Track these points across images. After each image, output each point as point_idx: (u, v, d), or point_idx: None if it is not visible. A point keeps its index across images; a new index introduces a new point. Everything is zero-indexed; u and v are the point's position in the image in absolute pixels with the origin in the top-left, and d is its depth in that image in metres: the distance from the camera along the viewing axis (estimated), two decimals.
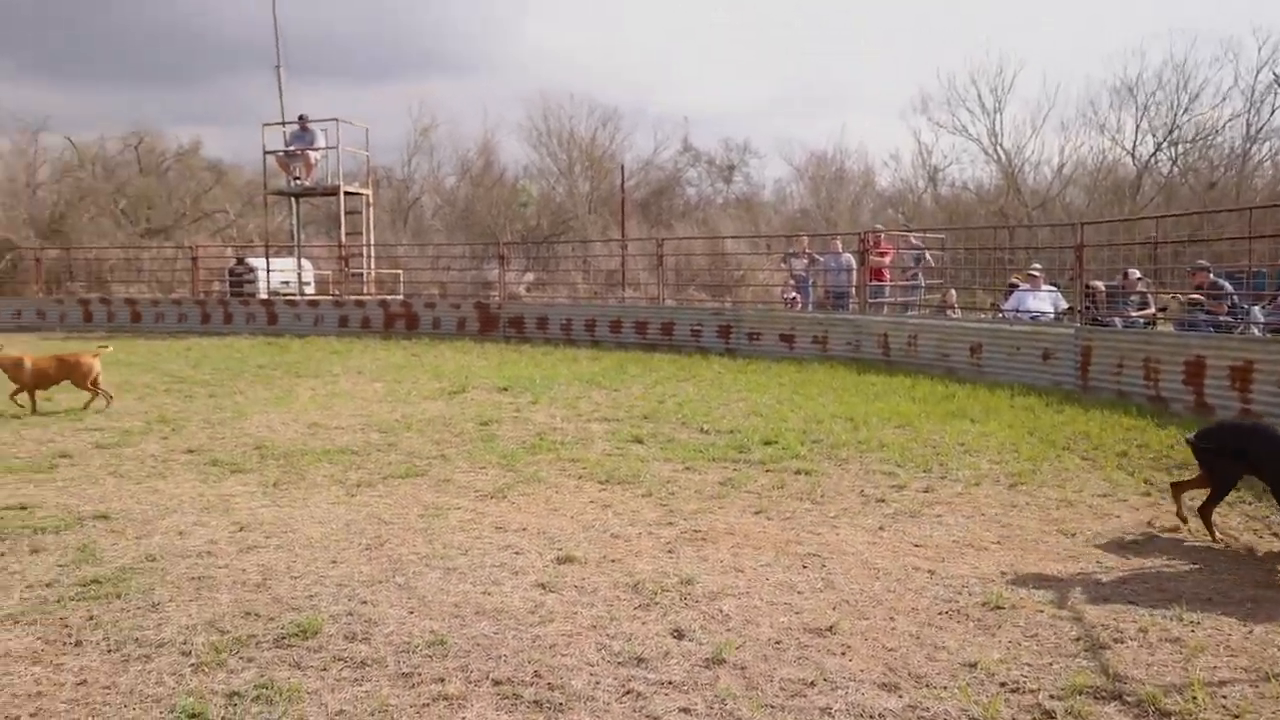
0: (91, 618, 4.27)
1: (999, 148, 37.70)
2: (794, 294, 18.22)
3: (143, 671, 3.74)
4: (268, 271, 22.96)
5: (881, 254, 17.12)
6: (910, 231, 20.73)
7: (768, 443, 8.27)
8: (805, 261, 18.53)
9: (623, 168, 37.71)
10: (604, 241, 31.03)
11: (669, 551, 5.30)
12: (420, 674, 3.72)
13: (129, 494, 6.54)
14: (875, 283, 16.66)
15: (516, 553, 5.24)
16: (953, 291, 17.01)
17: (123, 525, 5.76)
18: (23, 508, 6.12)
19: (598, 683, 3.65)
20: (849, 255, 17.48)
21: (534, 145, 45.72)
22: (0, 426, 9.11)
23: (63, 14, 65.50)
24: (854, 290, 16.88)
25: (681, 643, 4.03)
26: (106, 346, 11.18)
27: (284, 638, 4.04)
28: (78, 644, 4.00)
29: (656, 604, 4.47)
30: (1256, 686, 3.66)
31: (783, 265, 20.24)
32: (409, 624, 4.21)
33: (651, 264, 21.66)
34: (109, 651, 3.92)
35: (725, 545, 5.41)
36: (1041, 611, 4.40)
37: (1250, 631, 4.19)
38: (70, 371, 10.08)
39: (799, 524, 5.87)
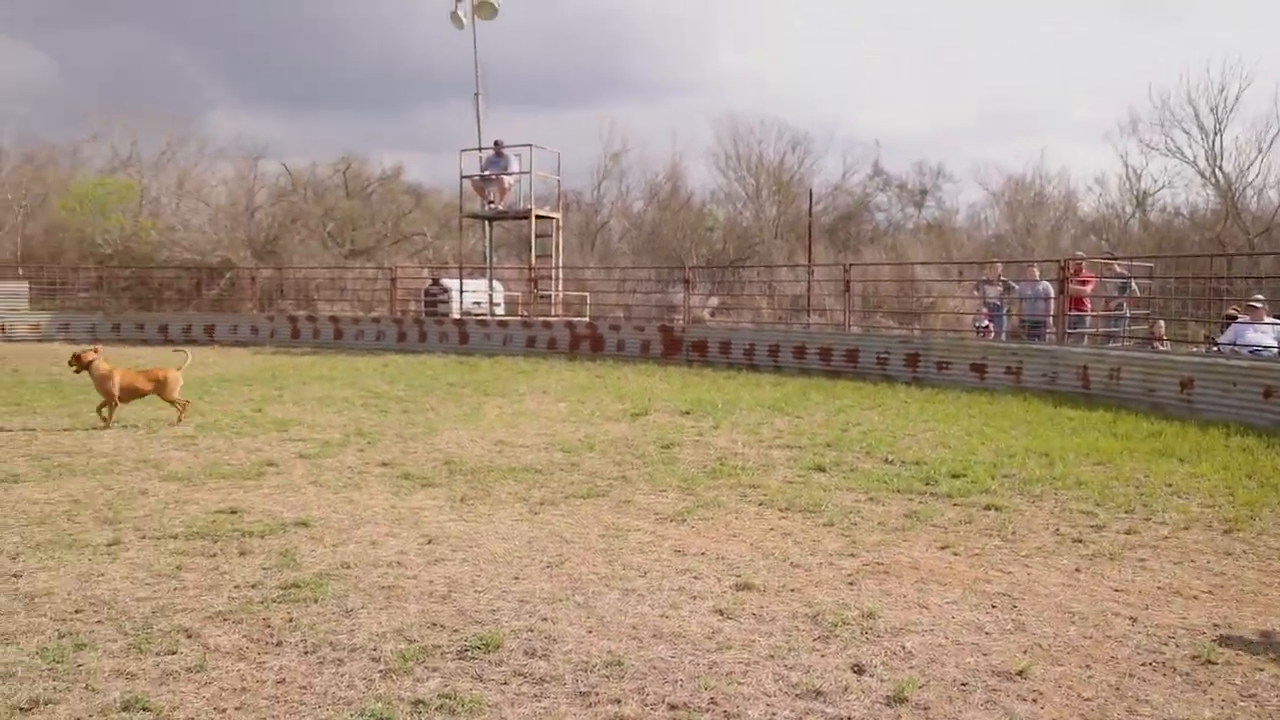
0: (291, 620, 4.51)
1: (1218, 171, 35.49)
2: (986, 322, 17.66)
3: (336, 674, 3.92)
4: (461, 292, 23.84)
5: (1083, 282, 16.38)
6: (1115, 259, 19.75)
7: (955, 475, 8.01)
8: (999, 289, 17.93)
9: (810, 192, 37.47)
10: (790, 267, 30.86)
11: (850, 583, 5.19)
12: (598, 694, 3.76)
13: (327, 503, 6.89)
14: (1075, 312, 15.93)
15: (695, 577, 5.24)
16: (1161, 323, 16.12)
17: (321, 533, 6.07)
18: (233, 512, 6.54)
19: (774, 714, 3.61)
20: (1047, 283, 16.81)
21: (721, 169, 46.07)
22: (215, 435, 9.76)
23: (284, 50, 70.21)
24: (1051, 320, 16.20)
25: (862, 678, 3.93)
26: (185, 355, 11.35)
27: (467, 650, 4.16)
28: (278, 644, 4.23)
29: (836, 636, 4.38)
30: None
31: (975, 293, 19.64)
32: (587, 643, 4.26)
33: (838, 290, 21.40)
34: (306, 653, 4.13)
35: (909, 580, 5.26)
36: (1261, 670, 4.08)
37: None
38: (158, 387, 10.55)
39: (988, 561, 5.66)
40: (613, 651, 4.16)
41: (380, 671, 3.94)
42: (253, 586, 4.99)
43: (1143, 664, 4.13)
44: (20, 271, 31.68)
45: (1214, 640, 4.39)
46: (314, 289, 32.44)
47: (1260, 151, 42.71)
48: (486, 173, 23.29)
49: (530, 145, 22.81)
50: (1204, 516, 6.79)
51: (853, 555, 5.72)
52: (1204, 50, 60.90)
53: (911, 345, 16.60)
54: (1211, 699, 3.80)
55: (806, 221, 35.01)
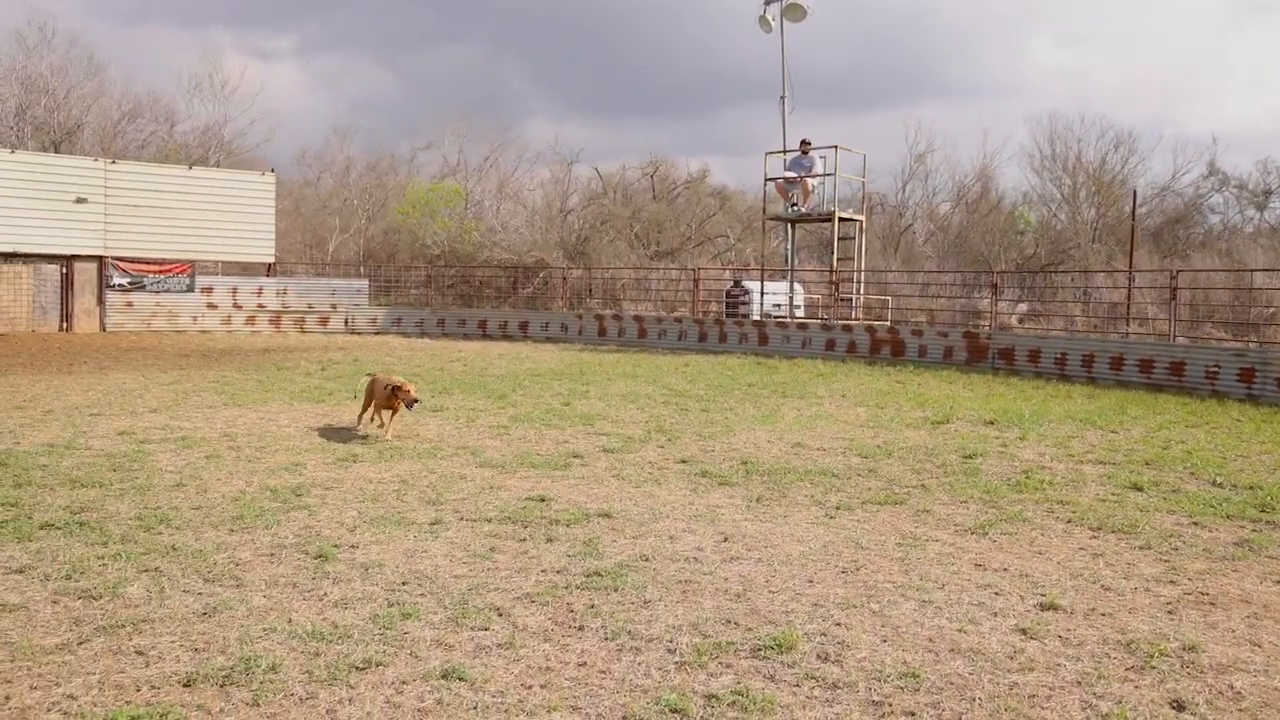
0: (593, 606, 4.72)
1: None
2: None
3: (634, 662, 4.07)
4: (762, 294, 24.02)
5: None
6: None
7: None
8: None
9: (1135, 193, 34.94)
10: (1108, 272, 28.94)
11: (1169, 612, 4.82)
12: (891, 705, 3.70)
13: (628, 496, 7.15)
14: None
15: (996, 593, 5.04)
16: None
17: (622, 524, 6.31)
18: (542, 500, 6.92)
19: None
20: None
21: (1036, 170, 43.90)
22: (526, 426, 10.34)
23: (598, 60, 73.42)
24: None
25: (1181, 715, 3.65)
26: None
27: (760, 649, 4.21)
28: (580, 628, 4.44)
29: (1152, 668, 4.08)
30: None
31: None
32: (881, 652, 4.20)
33: (1161, 297, 19.84)
34: (606, 639, 4.31)
35: (1239, 613, 4.81)
36: None
37: None
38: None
39: None
40: (908, 663, 4.07)
41: (675, 663, 4.06)
42: (558, 572, 5.26)
43: None
44: (362, 270, 34.91)
45: None
46: (620, 289, 33.66)
47: None
48: (791, 174, 23.31)
49: (835, 147, 22.60)
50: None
51: (1173, 582, 5.30)
52: None
53: (1247, 359, 15.09)
54: None
55: (1128, 224, 32.66)
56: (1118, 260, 33.18)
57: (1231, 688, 3.91)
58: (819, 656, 4.14)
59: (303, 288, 28.55)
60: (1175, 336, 17.50)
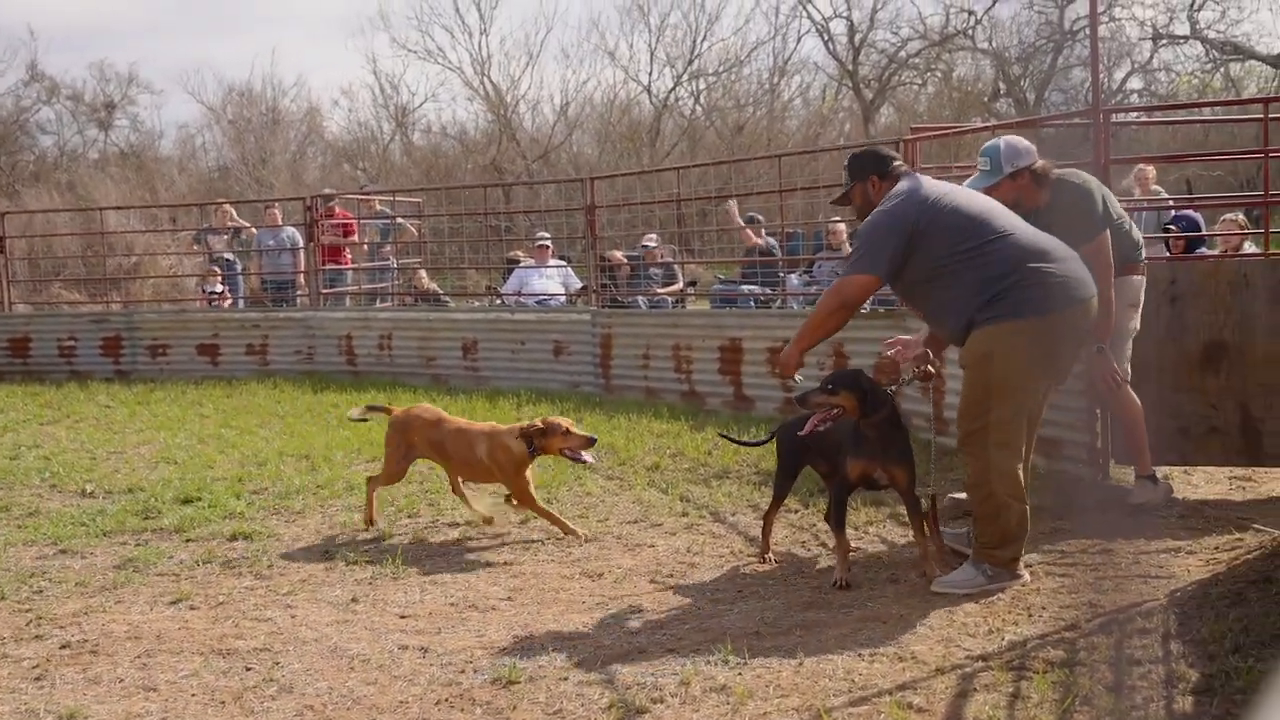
0: None
1: (486, 80, 39.67)
2: (219, 286, 17.97)
3: None
4: None
5: (342, 228, 17.19)
6: (376, 194, 21.14)
7: (187, 500, 8.15)
8: (228, 238, 18.34)
9: None
10: None
11: (38, 679, 5.00)
12: None
13: None
14: (331, 265, 16.69)
15: None
16: (422, 273, 17.59)
17: None
18: None
19: None
20: (292, 229, 17.43)
21: None
22: None
23: None
24: (302, 277, 16.86)
25: None
26: None
27: None
28: None
29: None
30: None
31: (196, 246, 19.89)
32: None
33: None
34: None
35: (128, 656, 5.22)
36: (565, 679, 4.72)
37: (800, 665, 4.81)
38: None
39: (237, 610, 5.82)
40: None
41: None
42: None
43: (437, 702, 4.55)
44: None
45: (515, 656, 4.99)
46: None
47: (531, 58, 48.48)
48: None
49: None
50: (497, 508, 7.64)
51: (39, 637, 5.52)
52: None
53: (110, 325, 16.19)
54: None
55: None
56: None
57: None
58: None
59: None
60: (13, 304, 17.98)
